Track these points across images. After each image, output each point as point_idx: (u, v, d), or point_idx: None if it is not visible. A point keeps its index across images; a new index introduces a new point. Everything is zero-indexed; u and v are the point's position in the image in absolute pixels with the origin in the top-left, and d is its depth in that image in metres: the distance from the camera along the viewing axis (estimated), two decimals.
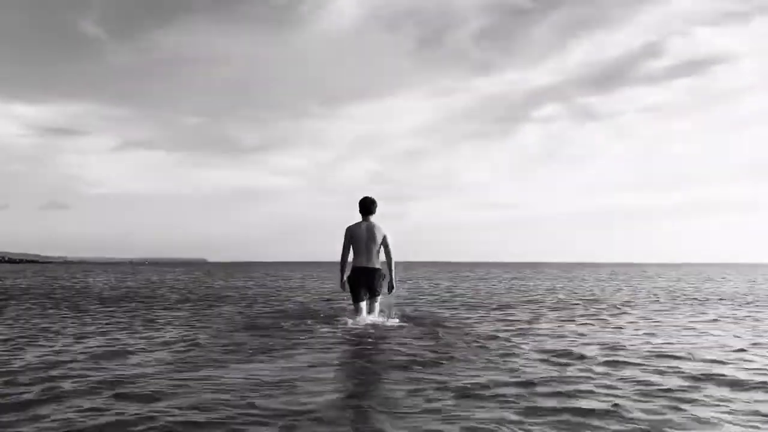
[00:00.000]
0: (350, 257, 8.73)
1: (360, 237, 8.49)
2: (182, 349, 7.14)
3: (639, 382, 5.38)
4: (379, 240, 8.57)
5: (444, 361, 6.21)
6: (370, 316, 8.48)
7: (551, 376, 5.56)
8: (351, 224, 8.68)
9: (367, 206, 8.66)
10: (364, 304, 8.51)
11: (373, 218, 8.70)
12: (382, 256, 8.81)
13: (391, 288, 8.67)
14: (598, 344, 7.69)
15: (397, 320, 8.87)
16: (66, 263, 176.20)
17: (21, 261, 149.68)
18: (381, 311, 8.76)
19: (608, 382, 5.37)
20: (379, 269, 8.62)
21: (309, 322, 9.37)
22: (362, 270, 8.43)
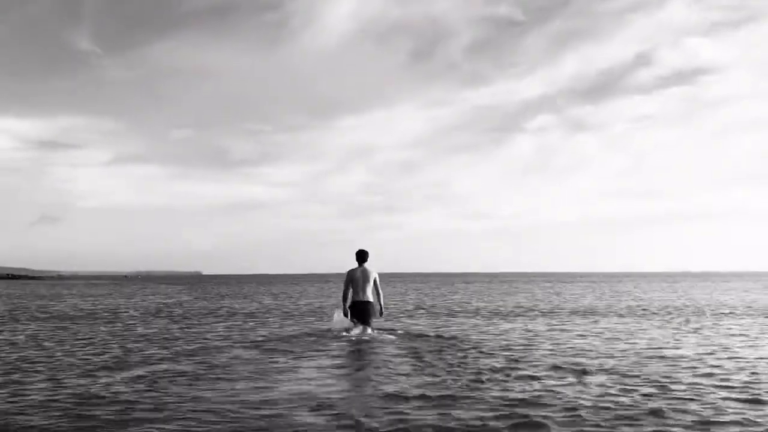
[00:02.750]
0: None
1: (357, 278, 11.43)
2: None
3: None
4: (372, 280, 11.46)
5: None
6: (363, 332, 11.47)
7: None
8: (350, 269, 11.51)
9: (362, 255, 11.58)
10: (359, 327, 11.49)
11: (365, 264, 11.68)
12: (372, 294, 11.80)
13: (381, 313, 11.65)
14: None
15: (376, 333, 11.78)
16: (59, 278, 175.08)
17: (11, 277, 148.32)
18: (371, 330, 11.67)
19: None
20: (371, 302, 11.49)
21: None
22: (359, 303, 11.44)
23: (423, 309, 22.06)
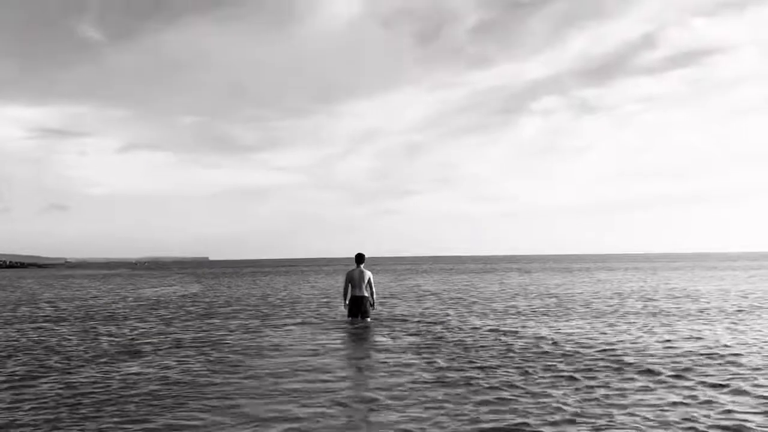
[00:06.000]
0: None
1: (355, 278, 13.97)
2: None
3: None
4: (366, 279, 13.97)
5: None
6: (359, 320, 13.98)
7: None
8: (350, 269, 14.50)
9: (360, 258, 14.08)
10: (356, 318, 13.98)
11: (362, 265, 14.07)
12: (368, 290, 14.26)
13: (373, 307, 14.25)
14: None
15: (368, 319, 14.16)
16: (66, 265, 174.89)
17: (22, 265, 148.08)
18: (368, 319, 14.14)
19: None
20: (366, 297, 14.03)
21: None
22: (357, 298, 13.94)
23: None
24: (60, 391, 7.02)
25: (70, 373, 8.16)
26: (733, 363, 8.24)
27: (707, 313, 14.72)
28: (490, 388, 6.88)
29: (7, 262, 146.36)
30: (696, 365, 8.10)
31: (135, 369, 8.30)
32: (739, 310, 15.32)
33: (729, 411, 5.79)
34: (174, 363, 8.75)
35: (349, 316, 14.02)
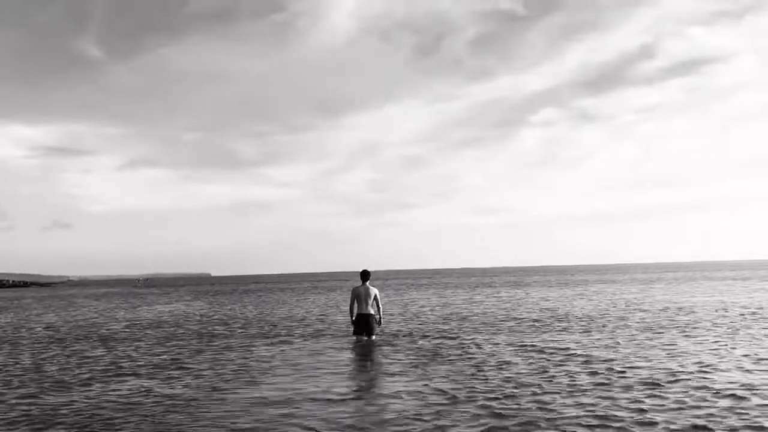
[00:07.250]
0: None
1: (361, 294, 13.91)
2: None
3: None
4: (373, 296, 13.95)
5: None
6: (365, 338, 14.02)
7: None
8: (355, 286, 14.69)
9: (365, 275, 14.14)
10: (362, 336, 13.95)
11: (368, 282, 14.16)
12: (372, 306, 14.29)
13: (379, 324, 14.19)
14: None
15: (374, 337, 14.13)
16: (68, 283, 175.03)
17: (24, 284, 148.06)
18: (374, 337, 14.10)
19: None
20: (372, 314, 13.98)
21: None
22: (363, 315, 13.87)
23: None
24: (54, 412, 7.26)
25: (65, 393, 8.41)
26: (723, 378, 8.53)
27: (699, 328, 15.05)
28: (506, 410, 7.01)
29: (10, 281, 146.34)
30: (683, 379, 8.39)
31: (125, 391, 8.45)
32: (732, 325, 15.69)
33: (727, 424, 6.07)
34: (164, 384, 8.89)
35: (354, 334, 13.93)
